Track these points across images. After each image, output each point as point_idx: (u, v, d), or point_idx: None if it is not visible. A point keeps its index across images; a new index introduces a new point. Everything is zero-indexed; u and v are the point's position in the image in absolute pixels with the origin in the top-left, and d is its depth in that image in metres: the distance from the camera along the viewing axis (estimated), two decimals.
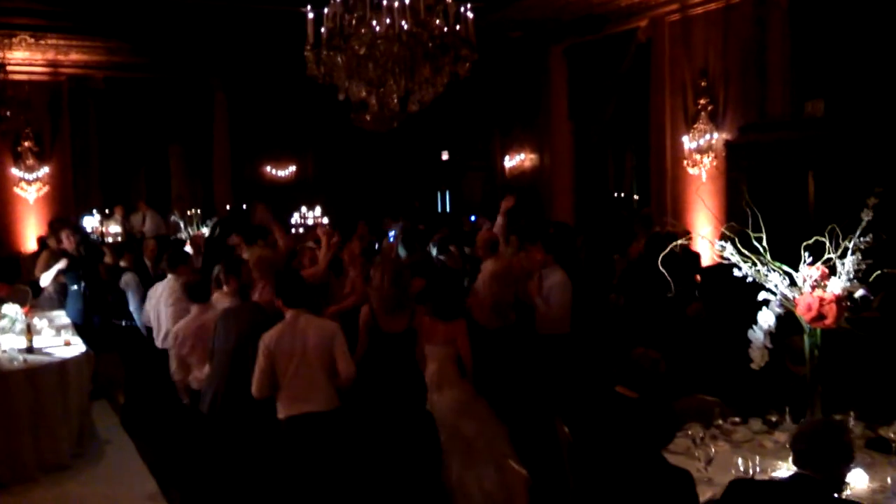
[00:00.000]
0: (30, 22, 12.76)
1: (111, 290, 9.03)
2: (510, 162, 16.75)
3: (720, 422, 4.64)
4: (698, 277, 8.59)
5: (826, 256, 3.96)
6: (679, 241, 4.47)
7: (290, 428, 5.23)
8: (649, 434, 3.76)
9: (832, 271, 3.96)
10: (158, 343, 7.14)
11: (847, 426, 3.74)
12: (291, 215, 14.69)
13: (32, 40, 13.47)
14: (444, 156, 19.97)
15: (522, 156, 16.39)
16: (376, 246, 10.54)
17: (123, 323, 8.57)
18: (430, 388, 5.85)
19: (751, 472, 3.81)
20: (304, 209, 14.38)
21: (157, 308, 7.30)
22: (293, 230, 13.64)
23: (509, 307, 7.36)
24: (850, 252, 3.91)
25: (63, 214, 13.99)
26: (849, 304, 3.96)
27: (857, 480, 3.83)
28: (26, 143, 14.22)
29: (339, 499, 5.27)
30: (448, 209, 20.68)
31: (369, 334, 5.77)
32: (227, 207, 16.08)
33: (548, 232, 9.70)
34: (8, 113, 12.75)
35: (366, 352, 5.77)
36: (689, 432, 4.31)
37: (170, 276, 7.42)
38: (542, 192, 15.55)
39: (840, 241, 3.94)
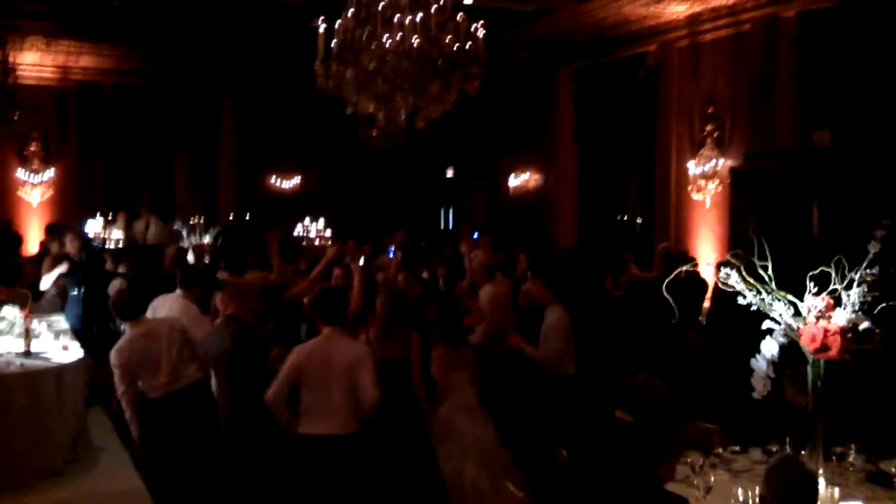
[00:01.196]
0: (41, 25, 12.81)
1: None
2: (515, 181, 16.76)
3: (720, 450, 4.61)
4: (706, 305, 8.52)
5: (832, 287, 3.94)
6: (684, 268, 4.45)
7: (305, 446, 5.16)
8: (647, 458, 3.72)
9: (837, 302, 3.93)
10: None
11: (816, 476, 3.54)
12: (294, 227, 14.68)
13: (43, 44, 13.51)
14: (449, 173, 19.98)
15: (527, 175, 16.40)
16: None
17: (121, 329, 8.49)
18: (472, 418, 5.85)
19: (750, 502, 3.77)
20: (307, 221, 14.36)
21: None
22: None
23: (508, 334, 7.32)
24: (855, 284, 3.88)
25: (66, 219, 13.98)
26: (852, 335, 3.93)
27: None
28: (32, 147, 14.26)
29: None
30: (451, 227, 20.68)
31: None
32: (230, 217, 16.11)
33: (554, 264, 9.64)
34: (16, 116, 12.75)
35: None
36: (689, 460, 4.27)
37: (179, 291, 7.32)
38: (546, 212, 15.55)
39: (846, 273, 3.92)
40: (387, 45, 6.50)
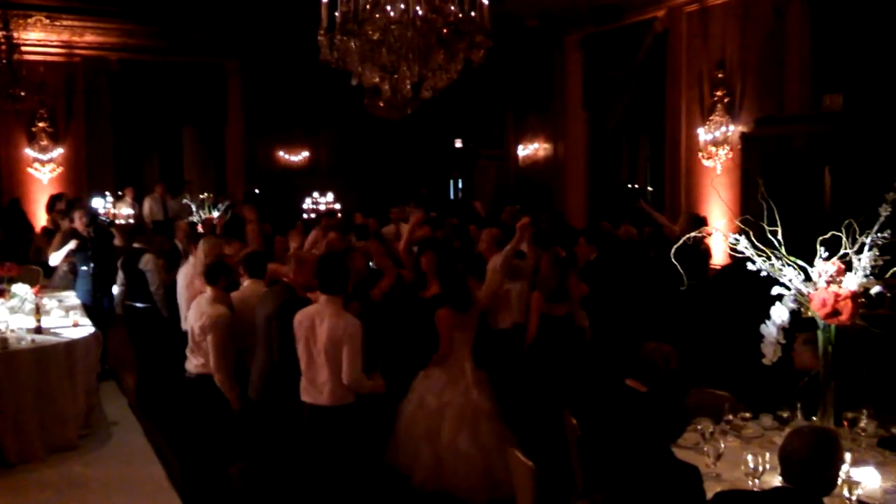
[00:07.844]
0: (45, 3, 12.76)
1: (127, 271, 8.87)
2: (524, 151, 16.68)
3: (730, 417, 4.59)
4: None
5: (842, 252, 3.89)
6: (693, 234, 4.41)
7: (304, 415, 5.22)
8: (659, 428, 3.71)
9: (848, 267, 3.89)
10: (183, 325, 7.08)
11: (839, 439, 3.36)
12: (303, 200, 14.68)
13: (48, 21, 13.47)
14: (458, 143, 19.91)
15: (536, 145, 16.31)
16: None
17: (138, 305, 8.45)
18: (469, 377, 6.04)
19: (760, 468, 3.74)
20: (315, 194, 14.36)
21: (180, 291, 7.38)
22: (304, 215, 13.63)
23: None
24: (866, 248, 3.84)
25: (76, 195, 14.00)
26: (863, 300, 3.89)
27: (869, 480, 3.78)
28: (40, 124, 14.28)
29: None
30: (460, 196, 20.64)
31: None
32: (239, 191, 16.10)
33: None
34: (23, 93, 12.73)
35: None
36: (699, 427, 4.26)
37: (191, 257, 7.40)
38: (555, 181, 15.50)
39: (857, 237, 3.87)
40: (391, 15, 6.43)
